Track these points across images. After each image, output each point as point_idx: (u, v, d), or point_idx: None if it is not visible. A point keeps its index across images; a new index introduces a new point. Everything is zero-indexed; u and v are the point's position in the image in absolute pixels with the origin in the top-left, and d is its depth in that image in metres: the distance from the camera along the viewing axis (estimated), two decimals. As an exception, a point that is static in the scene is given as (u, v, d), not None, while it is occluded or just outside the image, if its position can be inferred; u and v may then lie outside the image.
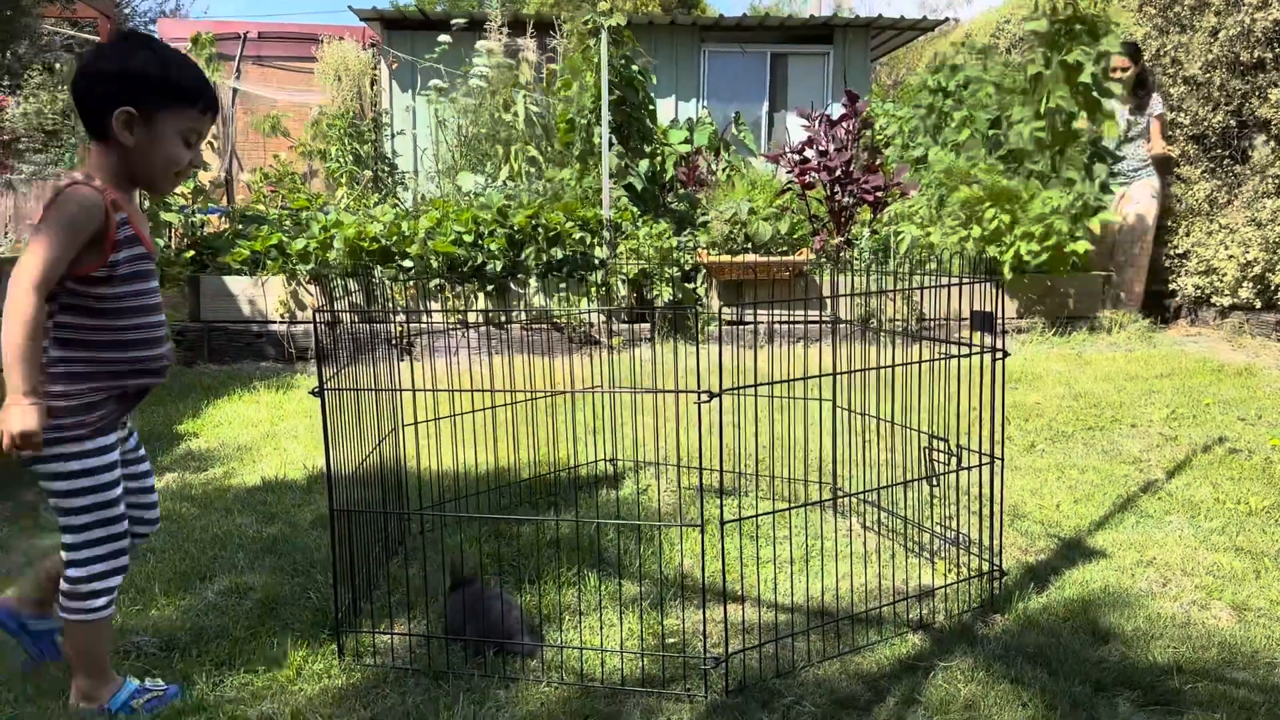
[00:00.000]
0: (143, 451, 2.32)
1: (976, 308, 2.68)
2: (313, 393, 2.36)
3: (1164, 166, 7.36)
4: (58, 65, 20.87)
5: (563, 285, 6.63)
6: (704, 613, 2.50)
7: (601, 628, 2.53)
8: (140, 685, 2.22)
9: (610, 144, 7.07)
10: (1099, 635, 2.47)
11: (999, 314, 2.61)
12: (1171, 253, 7.34)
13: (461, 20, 9.35)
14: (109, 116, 2.02)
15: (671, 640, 2.48)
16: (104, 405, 2.08)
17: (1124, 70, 7.05)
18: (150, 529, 2.35)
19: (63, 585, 2.11)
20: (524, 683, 2.28)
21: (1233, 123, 7.00)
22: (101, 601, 2.12)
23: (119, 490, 2.13)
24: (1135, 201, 7.28)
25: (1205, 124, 7.13)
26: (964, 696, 2.20)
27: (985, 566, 2.72)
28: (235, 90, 11.85)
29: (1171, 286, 7.36)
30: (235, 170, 11.89)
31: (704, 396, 2.18)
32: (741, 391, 2.41)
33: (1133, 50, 7.08)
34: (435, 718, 2.13)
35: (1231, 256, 6.76)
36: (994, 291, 2.65)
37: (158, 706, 2.18)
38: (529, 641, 2.42)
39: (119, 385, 2.10)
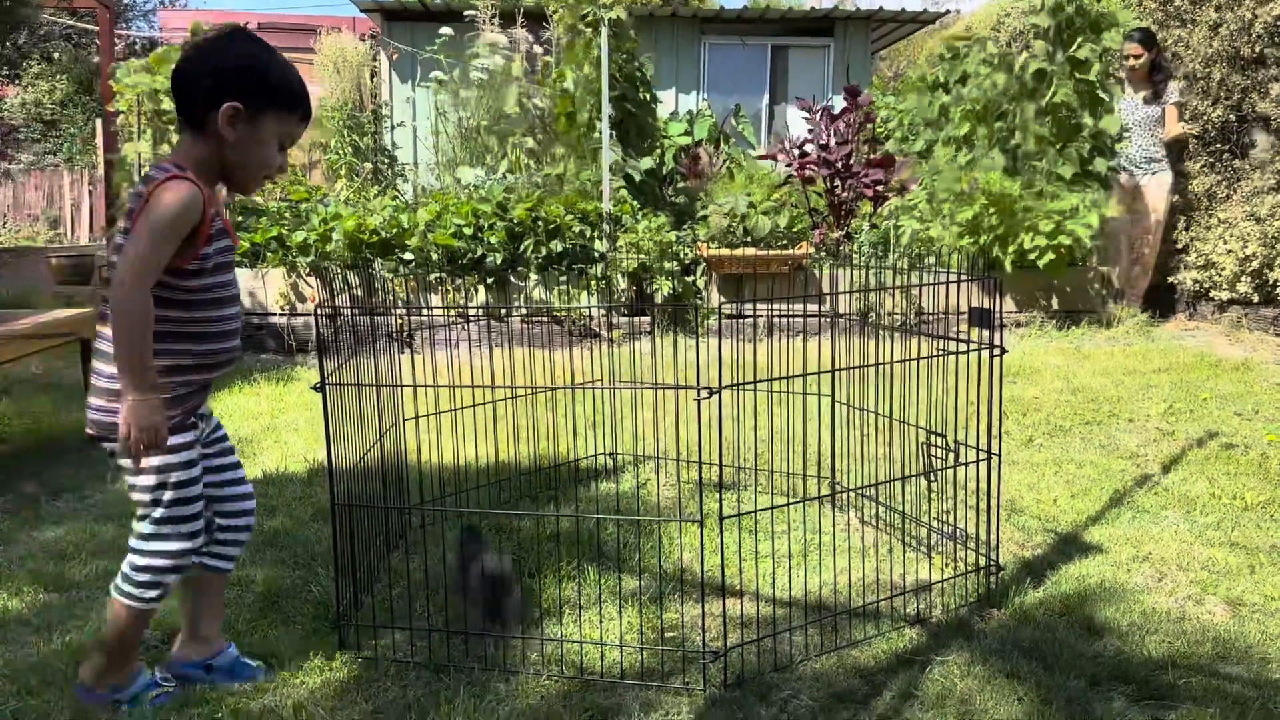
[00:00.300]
0: (223, 432, 2.32)
1: (975, 304, 2.70)
2: (314, 388, 2.37)
3: (1179, 155, 7.27)
4: (56, 55, 20.83)
5: (563, 279, 6.64)
6: (703, 607, 2.51)
7: (601, 621, 2.55)
8: (153, 678, 2.24)
9: (610, 137, 7.07)
10: (1094, 630, 2.49)
11: (998, 309, 2.63)
12: (1171, 247, 7.34)
13: (474, 10, 9.31)
14: (214, 109, 2.02)
15: (670, 634, 2.50)
16: (189, 398, 2.10)
17: (1137, 58, 6.98)
18: (246, 523, 2.33)
19: (125, 568, 2.12)
20: (524, 676, 2.30)
21: (1232, 118, 7.01)
22: (156, 593, 2.13)
23: (199, 488, 2.14)
24: (1149, 198, 7.18)
25: (1205, 119, 7.13)
26: (960, 691, 2.22)
27: (982, 561, 2.74)
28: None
29: (1170, 280, 7.38)
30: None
31: (704, 393, 2.20)
32: (741, 387, 2.42)
33: (1147, 37, 7.00)
34: (436, 711, 2.15)
35: (1230, 251, 6.77)
36: (993, 287, 2.66)
37: (164, 702, 2.20)
38: (517, 623, 2.47)
39: (203, 378, 2.12)
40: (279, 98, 2.08)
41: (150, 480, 2.07)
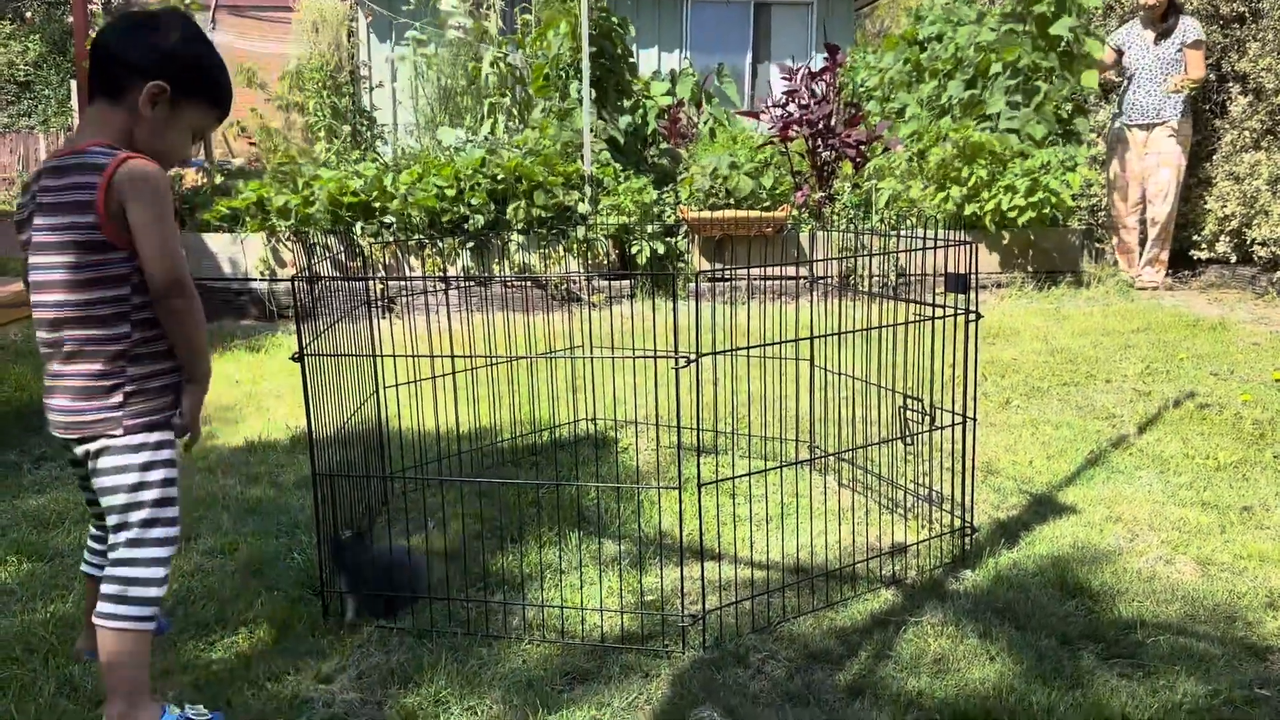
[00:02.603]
0: None
1: (952, 268, 2.71)
2: (293, 358, 2.37)
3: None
4: (28, 14, 20.45)
5: (544, 242, 6.62)
6: (682, 571, 2.54)
7: (582, 586, 2.58)
8: (182, 714, 2.00)
9: (590, 97, 7.01)
10: (1067, 590, 2.54)
11: (976, 270, 2.64)
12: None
13: None
14: (138, 83, 1.95)
15: (650, 598, 2.53)
16: (178, 389, 2.04)
17: None
18: None
19: (114, 590, 1.93)
20: (506, 640, 2.33)
21: (1212, 76, 7.01)
22: (156, 608, 1.97)
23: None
24: (1158, 154, 6.65)
25: (1186, 77, 7.13)
26: (933, 651, 2.26)
27: (957, 523, 2.78)
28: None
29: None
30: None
31: (682, 361, 2.21)
32: (719, 354, 2.44)
33: None
34: (419, 675, 2.18)
35: (1209, 210, 6.80)
36: (971, 252, 2.68)
37: None
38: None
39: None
40: (204, 89, 2.04)
41: (158, 477, 1.98)
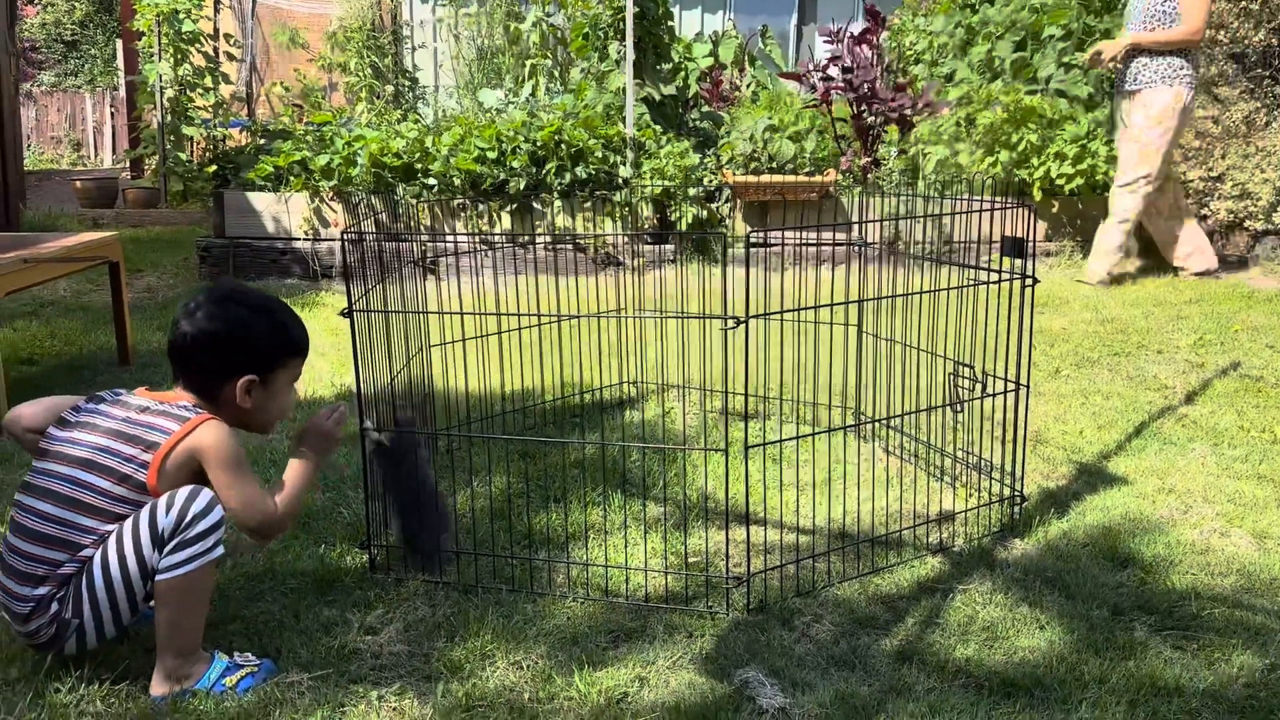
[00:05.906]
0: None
1: (1007, 232, 2.66)
2: (342, 314, 2.37)
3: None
4: (75, -27, 20.58)
5: (586, 205, 6.58)
6: (726, 533, 2.53)
7: (626, 546, 2.58)
8: (231, 661, 2.02)
9: (631, 60, 6.93)
10: (1118, 561, 2.50)
11: (1033, 234, 2.59)
12: (1206, 175, 7.04)
13: None
14: (229, 384, 2.04)
15: (694, 560, 2.53)
16: None
17: None
18: None
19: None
20: (550, 598, 2.34)
21: (1274, 41, 6.80)
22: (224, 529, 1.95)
23: None
24: (1137, 123, 5.83)
25: (1246, 42, 6.92)
26: (982, 618, 2.24)
27: (1006, 492, 2.74)
28: (254, 1, 11.66)
29: (1204, 211, 7.22)
30: (256, 84, 11.78)
31: (730, 323, 2.19)
32: (768, 316, 2.41)
33: None
34: (465, 629, 2.19)
35: (1267, 180, 6.63)
36: (1025, 216, 2.62)
37: (252, 685, 1.99)
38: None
39: None
40: (289, 352, 2.13)
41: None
